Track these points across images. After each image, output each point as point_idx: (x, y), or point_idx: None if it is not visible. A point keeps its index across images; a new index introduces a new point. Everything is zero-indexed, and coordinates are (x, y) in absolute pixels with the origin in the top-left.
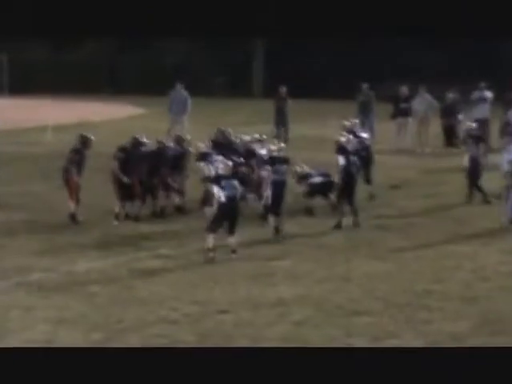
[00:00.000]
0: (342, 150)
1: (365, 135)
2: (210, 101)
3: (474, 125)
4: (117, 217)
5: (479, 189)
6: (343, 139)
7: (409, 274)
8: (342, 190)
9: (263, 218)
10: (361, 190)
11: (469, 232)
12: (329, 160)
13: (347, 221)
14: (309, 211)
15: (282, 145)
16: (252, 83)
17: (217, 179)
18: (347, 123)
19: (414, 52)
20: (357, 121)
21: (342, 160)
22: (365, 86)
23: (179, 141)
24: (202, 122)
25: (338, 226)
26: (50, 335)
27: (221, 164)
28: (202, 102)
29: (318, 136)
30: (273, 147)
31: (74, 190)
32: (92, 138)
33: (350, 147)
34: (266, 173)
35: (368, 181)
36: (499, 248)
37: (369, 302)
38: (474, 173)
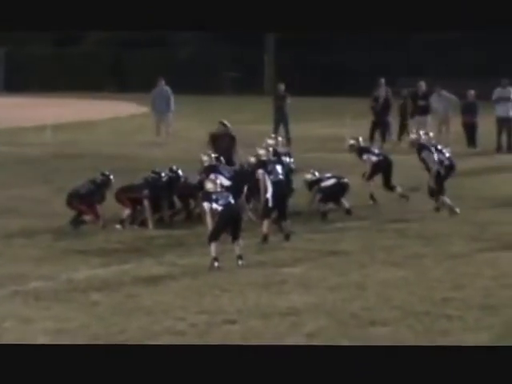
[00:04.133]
0: (261, 165)
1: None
2: (220, 98)
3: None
4: (122, 222)
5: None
6: (262, 152)
7: (427, 281)
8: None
9: (275, 222)
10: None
11: (490, 237)
12: (344, 160)
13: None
14: (323, 216)
15: (270, 142)
16: (263, 80)
17: (206, 196)
18: (270, 141)
19: (433, 47)
20: (280, 138)
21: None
22: (381, 81)
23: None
24: (211, 120)
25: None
26: None
27: (208, 184)
28: (212, 99)
29: (333, 135)
30: (261, 151)
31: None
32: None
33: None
34: (260, 176)
35: (390, 187)
36: None
37: (385, 311)
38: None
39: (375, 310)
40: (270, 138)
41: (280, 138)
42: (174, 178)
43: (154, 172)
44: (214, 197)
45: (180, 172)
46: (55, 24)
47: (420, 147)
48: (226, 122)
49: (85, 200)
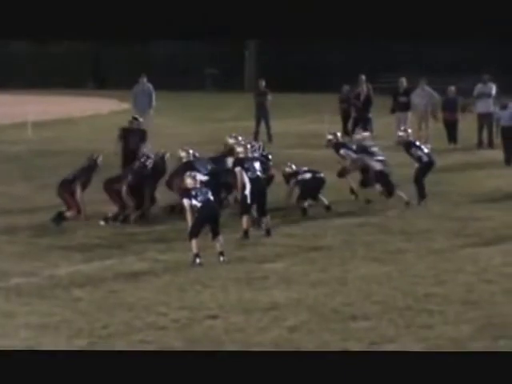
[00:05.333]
0: (239, 162)
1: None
2: (201, 95)
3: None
4: (106, 219)
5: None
6: (240, 149)
7: (408, 276)
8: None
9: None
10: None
11: (471, 233)
12: (324, 156)
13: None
14: (303, 212)
15: (249, 146)
16: (244, 77)
17: (186, 192)
18: (230, 140)
19: (414, 43)
20: (240, 138)
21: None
22: (362, 78)
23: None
24: (193, 117)
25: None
26: (32, 342)
27: (188, 179)
28: (193, 96)
29: (314, 131)
30: (239, 149)
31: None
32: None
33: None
34: (237, 174)
35: (370, 185)
36: (502, 249)
37: (366, 306)
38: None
39: (356, 305)
40: (231, 137)
41: (240, 138)
42: (160, 166)
43: (144, 155)
44: (193, 193)
45: (167, 156)
46: (51, 32)
47: (407, 144)
48: (138, 117)
49: (68, 187)
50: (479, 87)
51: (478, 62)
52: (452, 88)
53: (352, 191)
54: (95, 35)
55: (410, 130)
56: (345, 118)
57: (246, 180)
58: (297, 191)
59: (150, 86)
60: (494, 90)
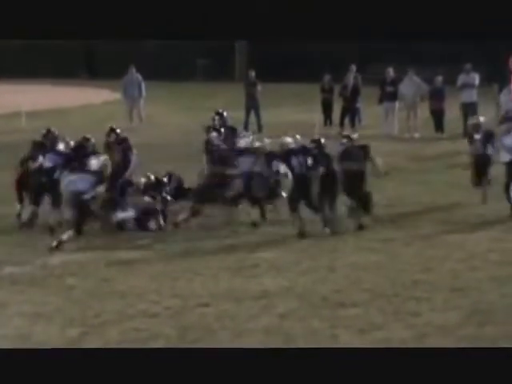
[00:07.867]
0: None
1: None
2: (191, 84)
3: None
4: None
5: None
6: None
7: (397, 264)
8: None
9: None
10: None
11: (458, 220)
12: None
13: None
14: None
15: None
16: (234, 67)
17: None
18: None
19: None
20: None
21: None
22: (353, 68)
23: None
24: (184, 106)
25: None
26: (26, 330)
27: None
28: (183, 86)
29: (304, 121)
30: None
31: None
32: None
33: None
34: None
35: None
36: (489, 236)
37: (355, 294)
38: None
39: (345, 293)
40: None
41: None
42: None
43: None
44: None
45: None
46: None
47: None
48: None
49: None
50: (462, 77)
51: (466, 53)
52: (439, 78)
53: None
54: (86, 35)
55: (355, 136)
56: (325, 108)
57: None
58: None
59: (139, 75)
60: (477, 79)
